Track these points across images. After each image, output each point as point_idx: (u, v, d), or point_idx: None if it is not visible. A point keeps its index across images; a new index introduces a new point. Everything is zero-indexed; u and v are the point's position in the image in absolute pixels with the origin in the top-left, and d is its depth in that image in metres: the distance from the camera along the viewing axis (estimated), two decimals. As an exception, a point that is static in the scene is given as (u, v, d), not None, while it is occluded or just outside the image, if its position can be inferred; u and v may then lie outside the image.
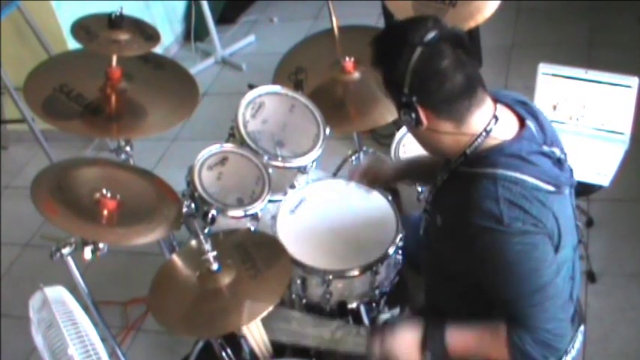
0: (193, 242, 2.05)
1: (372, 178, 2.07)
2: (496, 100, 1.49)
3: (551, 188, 1.42)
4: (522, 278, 1.43)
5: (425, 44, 1.38)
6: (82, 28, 2.17)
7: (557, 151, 1.48)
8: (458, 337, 1.56)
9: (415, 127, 1.46)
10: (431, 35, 1.38)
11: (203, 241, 1.85)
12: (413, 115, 1.43)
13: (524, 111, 1.52)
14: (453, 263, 1.58)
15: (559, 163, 1.48)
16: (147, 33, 2.24)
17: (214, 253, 1.86)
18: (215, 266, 1.87)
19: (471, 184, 1.44)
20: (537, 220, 1.40)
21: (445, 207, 1.55)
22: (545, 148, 1.47)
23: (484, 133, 1.44)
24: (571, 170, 1.52)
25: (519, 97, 1.57)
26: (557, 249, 1.47)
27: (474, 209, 1.41)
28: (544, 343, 1.46)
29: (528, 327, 1.46)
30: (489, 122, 1.44)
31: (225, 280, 1.88)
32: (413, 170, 2.03)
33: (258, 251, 1.98)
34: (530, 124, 1.48)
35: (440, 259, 1.65)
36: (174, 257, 2.05)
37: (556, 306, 1.46)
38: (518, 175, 1.40)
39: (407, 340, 1.60)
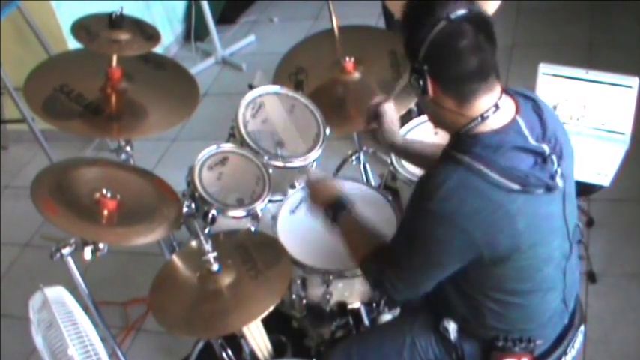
0: (194, 243, 2.05)
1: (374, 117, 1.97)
2: (506, 90, 1.51)
3: (515, 186, 1.42)
4: (407, 240, 1.56)
5: (449, 20, 1.39)
6: (83, 28, 2.16)
7: (546, 149, 1.47)
8: (349, 224, 1.77)
9: (421, 95, 1.50)
10: (458, 13, 1.40)
11: (203, 241, 1.85)
12: (421, 83, 1.47)
13: (527, 106, 1.52)
14: None
15: (543, 161, 1.47)
16: (147, 33, 2.24)
17: (215, 253, 1.86)
18: (215, 267, 1.87)
19: (441, 163, 1.50)
20: (470, 215, 1.42)
21: None
22: (533, 144, 1.46)
23: (479, 119, 1.46)
24: (556, 172, 1.49)
25: (530, 93, 1.58)
26: (515, 249, 1.47)
27: (423, 183, 1.50)
28: (380, 283, 1.61)
29: (381, 254, 1.63)
30: (489, 109, 1.46)
31: (226, 280, 1.88)
32: (411, 151, 2.04)
33: (259, 252, 1.98)
34: (520, 118, 1.48)
35: None
36: (175, 258, 2.05)
37: (403, 272, 1.58)
38: (482, 167, 1.42)
39: (324, 191, 1.85)
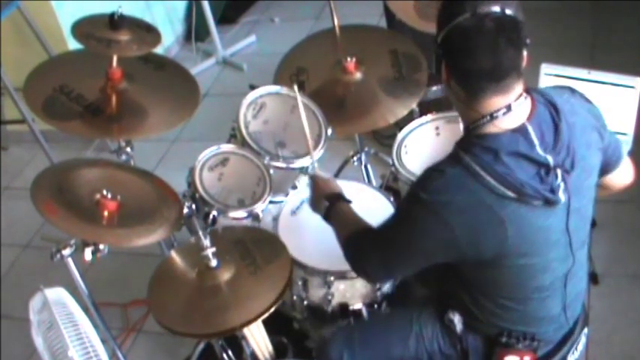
0: (193, 239, 2.04)
1: None
2: (528, 90, 1.48)
3: (509, 193, 1.41)
4: (394, 221, 1.60)
5: (473, 14, 1.37)
6: (83, 28, 2.16)
7: (550, 160, 1.43)
8: (342, 212, 1.83)
9: (440, 75, 1.50)
10: (486, 9, 1.37)
11: (202, 237, 1.84)
12: (437, 63, 1.48)
13: (545, 112, 1.47)
14: None
15: (546, 173, 1.43)
16: (147, 33, 2.24)
17: (213, 249, 1.85)
18: (214, 262, 1.87)
19: (444, 158, 1.50)
20: (458, 212, 1.43)
21: None
22: (539, 153, 1.42)
23: (488, 117, 1.43)
24: (558, 186, 1.44)
25: (556, 99, 1.52)
26: (502, 255, 1.47)
27: (425, 172, 1.51)
28: (351, 256, 1.72)
29: (360, 235, 1.70)
30: (499, 110, 1.43)
31: (225, 276, 1.88)
32: None
33: (258, 247, 1.98)
34: (529, 125, 1.44)
35: None
36: (173, 254, 2.04)
37: (381, 255, 1.61)
38: (478, 169, 1.41)
39: (322, 186, 1.92)
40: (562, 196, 1.44)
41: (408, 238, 1.54)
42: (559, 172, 1.44)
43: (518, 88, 1.45)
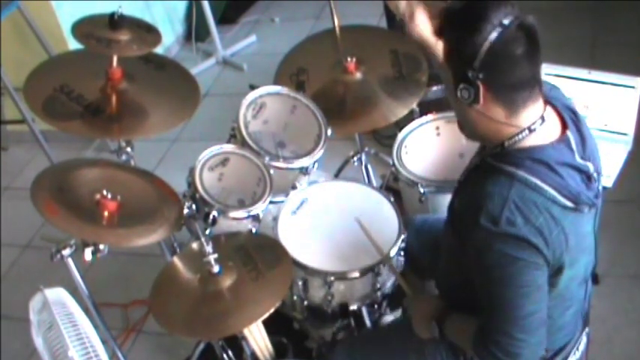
0: (194, 244, 2.04)
1: None
2: (547, 101, 1.47)
3: (568, 204, 1.39)
4: (491, 282, 1.43)
5: (505, 26, 1.35)
6: (83, 28, 2.16)
7: (590, 167, 1.44)
8: (455, 324, 1.64)
9: (467, 105, 1.42)
10: (510, 19, 1.35)
11: (204, 243, 1.84)
12: (472, 92, 1.40)
13: (570, 120, 1.48)
14: (457, 249, 1.57)
15: (588, 180, 1.44)
16: (148, 33, 2.23)
17: (215, 255, 1.85)
18: (216, 268, 1.86)
19: (490, 178, 1.42)
20: (538, 232, 1.37)
21: (463, 193, 1.54)
22: (579, 162, 1.43)
23: (527, 131, 1.41)
24: (599, 190, 1.46)
25: (570, 103, 1.53)
26: (561, 268, 1.44)
27: (480, 204, 1.39)
28: (492, 353, 1.44)
29: (483, 330, 1.47)
30: (535, 122, 1.42)
31: (227, 282, 1.88)
32: None
33: (260, 253, 1.97)
34: (570, 134, 1.44)
35: (451, 243, 1.64)
36: (176, 259, 2.04)
37: (513, 324, 1.42)
38: (538, 182, 1.38)
39: (424, 308, 1.74)
40: (599, 200, 1.46)
41: (521, 282, 1.39)
42: (596, 176, 1.45)
43: (542, 97, 1.44)
